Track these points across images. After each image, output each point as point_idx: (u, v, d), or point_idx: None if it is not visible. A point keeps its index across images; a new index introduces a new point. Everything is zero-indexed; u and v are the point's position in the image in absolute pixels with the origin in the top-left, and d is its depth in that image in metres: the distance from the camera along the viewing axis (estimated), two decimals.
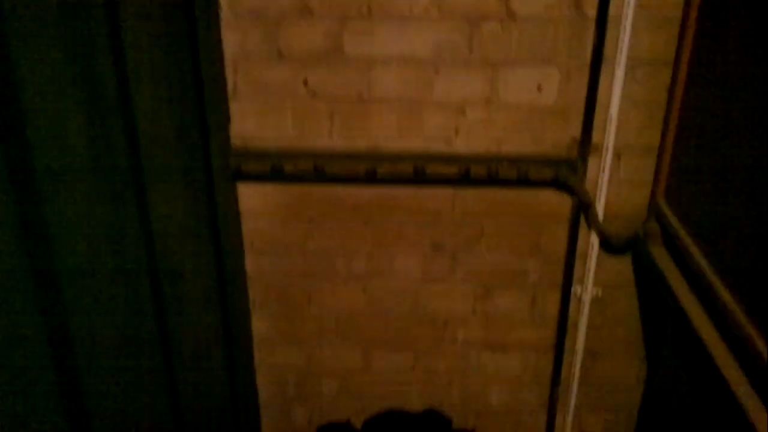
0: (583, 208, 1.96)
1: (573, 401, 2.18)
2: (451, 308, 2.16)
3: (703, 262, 1.57)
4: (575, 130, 1.88)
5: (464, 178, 1.92)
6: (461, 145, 1.92)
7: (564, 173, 1.90)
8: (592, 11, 1.75)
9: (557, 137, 1.90)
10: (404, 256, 2.09)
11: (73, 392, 1.17)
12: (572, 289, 2.07)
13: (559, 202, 1.98)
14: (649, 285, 2.03)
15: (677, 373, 1.94)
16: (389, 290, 2.14)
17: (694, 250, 1.62)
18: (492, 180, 1.91)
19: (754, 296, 1.35)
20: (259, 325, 2.20)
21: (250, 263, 2.11)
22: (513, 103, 1.87)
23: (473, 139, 1.92)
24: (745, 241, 1.41)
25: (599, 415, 2.27)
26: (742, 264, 1.42)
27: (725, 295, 1.46)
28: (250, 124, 1.92)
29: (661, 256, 1.80)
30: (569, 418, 2.19)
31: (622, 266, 2.05)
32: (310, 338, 2.22)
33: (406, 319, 2.18)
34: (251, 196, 2.02)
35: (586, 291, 2.04)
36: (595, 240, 1.98)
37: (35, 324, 1.07)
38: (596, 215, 1.94)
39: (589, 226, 1.98)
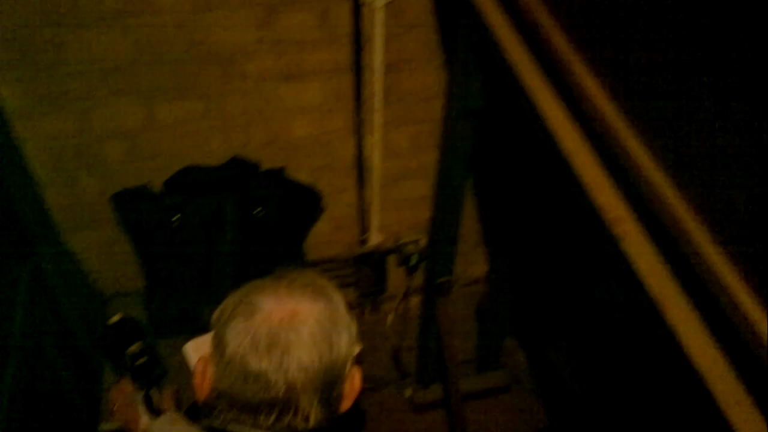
0: None
1: (379, 120, 2.10)
2: (233, 40, 1.91)
3: None
4: None
5: None
6: None
7: None
8: None
9: None
10: None
11: None
12: None
13: None
14: None
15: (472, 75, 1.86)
16: (156, 29, 1.82)
17: None
18: None
19: None
20: (6, 92, 1.82)
21: None
22: None
23: None
24: None
25: (406, 129, 2.25)
26: None
27: None
28: None
29: None
30: (377, 136, 2.13)
31: None
32: (78, 99, 1.89)
33: (186, 62, 1.91)
34: None
35: None
36: None
37: None
38: None
39: None
